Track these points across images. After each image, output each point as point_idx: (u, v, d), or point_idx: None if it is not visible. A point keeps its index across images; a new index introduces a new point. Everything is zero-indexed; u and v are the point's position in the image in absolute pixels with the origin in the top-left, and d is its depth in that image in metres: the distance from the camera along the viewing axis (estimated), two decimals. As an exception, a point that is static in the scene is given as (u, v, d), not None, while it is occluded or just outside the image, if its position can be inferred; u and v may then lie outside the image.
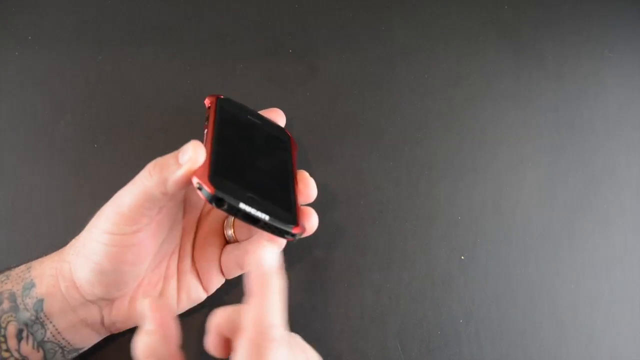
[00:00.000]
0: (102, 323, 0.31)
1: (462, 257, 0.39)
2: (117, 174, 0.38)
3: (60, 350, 0.30)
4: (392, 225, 0.39)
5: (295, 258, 0.38)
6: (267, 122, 0.35)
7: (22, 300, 0.29)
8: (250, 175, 0.30)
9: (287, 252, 0.38)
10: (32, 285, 0.30)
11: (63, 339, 0.30)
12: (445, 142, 0.41)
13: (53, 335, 0.30)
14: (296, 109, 0.41)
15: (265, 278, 0.25)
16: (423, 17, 0.43)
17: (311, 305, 0.38)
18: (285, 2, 0.43)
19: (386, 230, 0.39)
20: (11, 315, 0.29)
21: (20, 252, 0.37)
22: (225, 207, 0.27)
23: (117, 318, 0.31)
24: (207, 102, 0.33)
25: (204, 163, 0.28)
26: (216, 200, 0.27)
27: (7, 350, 0.29)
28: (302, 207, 0.32)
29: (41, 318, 0.29)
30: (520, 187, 0.41)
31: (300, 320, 0.37)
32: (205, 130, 0.31)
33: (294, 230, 0.29)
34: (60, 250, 0.31)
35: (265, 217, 0.28)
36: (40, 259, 0.31)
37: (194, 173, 0.27)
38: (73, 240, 0.31)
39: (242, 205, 0.27)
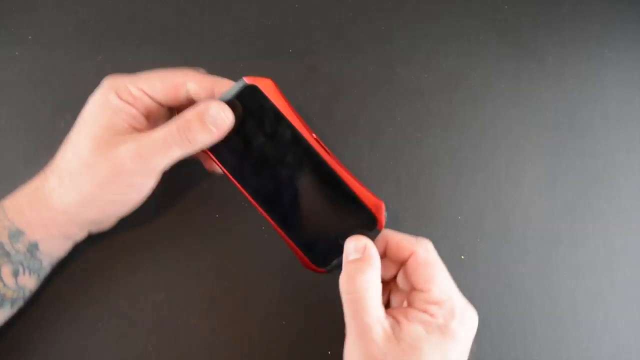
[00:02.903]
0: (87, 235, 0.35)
1: (462, 257, 0.39)
2: (117, 174, 0.38)
3: (50, 266, 0.34)
4: (392, 226, 0.39)
5: (295, 258, 0.38)
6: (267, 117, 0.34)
7: (12, 247, 0.31)
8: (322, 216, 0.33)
9: (286, 252, 0.38)
10: (20, 232, 0.31)
11: (55, 258, 0.34)
12: (445, 142, 0.41)
13: (48, 263, 0.33)
14: (296, 109, 0.41)
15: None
16: (423, 17, 0.43)
17: (312, 304, 0.38)
18: (285, 2, 0.43)
19: (386, 230, 0.39)
20: (3, 259, 0.31)
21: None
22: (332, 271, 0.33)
23: (102, 230, 0.35)
24: None
25: (294, 248, 0.33)
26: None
27: (5, 285, 0.31)
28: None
29: (37, 256, 0.32)
30: (520, 187, 0.41)
31: (301, 319, 0.37)
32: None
33: (380, 228, 0.32)
34: (37, 195, 0.32)
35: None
36: (16, 208, 0.32)
37: (304, 263, 0.33)
38: (59, 186, 0.31)
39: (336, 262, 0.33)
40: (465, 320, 0.30)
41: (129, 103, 0.32)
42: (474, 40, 0.43)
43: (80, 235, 0.34)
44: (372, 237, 0.32)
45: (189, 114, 0.31)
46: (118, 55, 0.41)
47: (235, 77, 0.40)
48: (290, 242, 0.33)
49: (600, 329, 0.39)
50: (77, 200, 0.31)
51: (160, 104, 0.34)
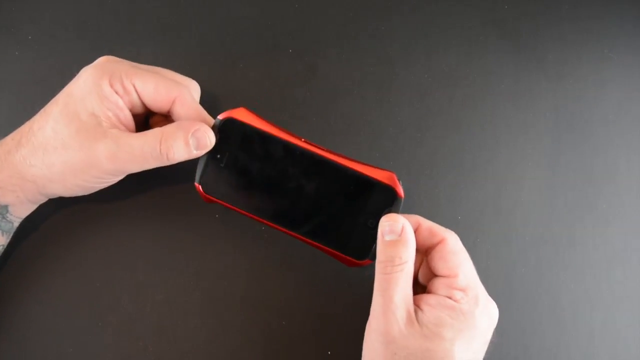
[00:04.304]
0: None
1: (462, 257, 0.39)
2: (117, 174, 0.38)
3: (17, 224, 0.35)
4: (392, 225, 0.39)
5: (295, 258, 0.38)
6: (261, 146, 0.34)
7: None
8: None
9: (285, 251, 0.38)
10: None
11: (22, 219, 0.35)
12: (445, 142, 0.41)
13: (18, 223, 0.35)
14: (296, 109, 0.41)
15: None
16: (423, 17, 0.43)
17: (312, 304, 0.38)
18: (285, 2, 0.43)
19: (386, 230, 0.39)
20: None
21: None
22: None
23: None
24: None
25: (331, 252, 0.33)
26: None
27: None
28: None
29: (8, 218, 0.33)
30: (520, 187, 0.41)
31: (302, 319, 0.37)
32: None
33: (400, 196, 0.33)
34: (7, 160, 0.32)
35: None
36: None
37: (347, 263, 0.34)
38: (31, 157, 0.32)
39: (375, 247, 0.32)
40: (488, 311, 0.30)
41: (118, 94, 0.32)
42: (474, 40, 0.43)
43: (44, 200, 0.35)
44: (397, 208, 0.32)
45: (174, 132, 0.32)
46: (118, 55, 0.41)
47: (235, 77, 0.41)
48: (326, 248, 0.33)
49: (600, 329, 0.39)
50: (45, 175, 0.32)
51: (144, 104, 0.34)
